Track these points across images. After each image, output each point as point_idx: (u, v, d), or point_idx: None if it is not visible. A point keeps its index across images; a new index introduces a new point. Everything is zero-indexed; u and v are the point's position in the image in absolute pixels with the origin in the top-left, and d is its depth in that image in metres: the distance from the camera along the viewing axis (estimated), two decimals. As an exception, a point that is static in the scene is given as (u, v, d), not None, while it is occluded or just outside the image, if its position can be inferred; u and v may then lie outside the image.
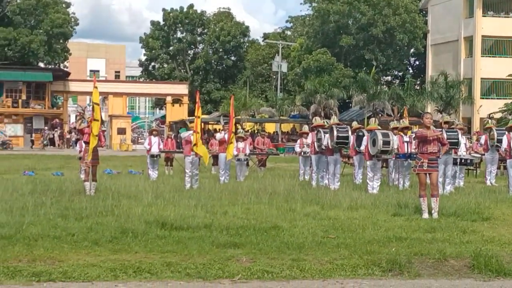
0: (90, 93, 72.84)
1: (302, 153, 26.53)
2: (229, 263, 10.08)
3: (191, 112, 69.16)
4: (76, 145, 34.44)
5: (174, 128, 65.09)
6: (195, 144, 21.27)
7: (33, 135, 71.80)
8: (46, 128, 73.11)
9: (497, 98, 65.05)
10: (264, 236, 12.17)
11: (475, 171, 30.94)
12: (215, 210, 15.35)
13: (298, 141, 27.57)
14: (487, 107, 62.47)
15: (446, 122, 22.82)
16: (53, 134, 72.75)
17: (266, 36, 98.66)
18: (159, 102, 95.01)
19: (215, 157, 28.07)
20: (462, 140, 22.95)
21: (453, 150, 21.22)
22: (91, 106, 23.07)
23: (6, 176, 26.63)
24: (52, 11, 77.82)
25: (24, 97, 73.74)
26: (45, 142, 70.23)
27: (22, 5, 76.90)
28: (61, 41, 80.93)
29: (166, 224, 12.99)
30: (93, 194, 18.72)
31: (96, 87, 19.60)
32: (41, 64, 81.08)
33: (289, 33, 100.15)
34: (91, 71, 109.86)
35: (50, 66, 79.85)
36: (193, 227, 12.79)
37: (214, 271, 9.71)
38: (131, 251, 10.80)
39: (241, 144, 26.26)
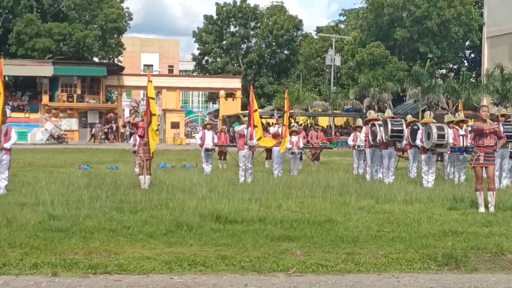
0: (143, 88, 73.35)
1: (356, 146, 26.37)
2: (284, 256, 10.04)
3: (244, 106, 69.34)
4: (130, 139, 34.66)
5: (228, 122, 65.28)
6: (259, 138, 21.45)
7: (93, 129, 72.58)
8: (97, 122, 73.85)
9: (555, 90, 63.99)
10: (318, 229, 12.11)
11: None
12: (269, 204, 15.32)
13: (352, 134, 27.43)
14: (544, 100, 61.50)
15: (502, 115, 22.50)
16: (108, 129, 73.47)
17: (319, 29, 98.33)
18: (212, 96, 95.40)
19: (269, 151, 28.06)
20: (519, 133, 22.57)
21: (509, 143, 20.88)
22: (144, 101, 23.15)
23: (62, 169, 26.96)
24: (106, 6, 78.62)
25: (79, 91, 74.61)
26: (103, 136, 70.98)
27: (77, 1, 77.85)
28: (115, 36, 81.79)
29: (220, 218, 12.99)
30: (147, 187, 18.83)
31: (150, 81, 19.63)
32: (96, 59, 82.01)
33: (342, 26, 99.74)
34: (144, 65, 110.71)
35: (104, 61, 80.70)
36: (247, 221, 12.78)
37: (268, 264, 9.67)
38: (186, 244, 10.82)
39: (294, 138, 26.21)
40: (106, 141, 70.49)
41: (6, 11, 79.08)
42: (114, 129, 73.68)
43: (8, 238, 10.75)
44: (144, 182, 19.19)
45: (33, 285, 8.54)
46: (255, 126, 21.94)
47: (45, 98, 74.13)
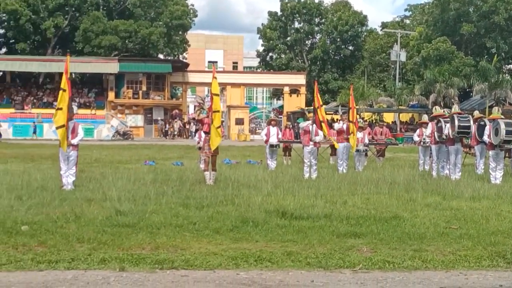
0: (208, 84, 73.82)
1: (422, 143, 26.10)
2: (350, 253, 9.98)
3: (308, 102, 69.18)
4: (195, 135, 34.84)
5: (292, 118, 65.21)
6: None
7: (167, 125, 73.32)
8: (159, 118, 74.48)
9: None
10: (385, 226, 12.01)
11: None
12: (335, 200, 15.26)
13: (417, 131, 27.19)
14: None
15: None
16: (173, 125, 74.03)
17: (384, 25, 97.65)
18: (276, 92, 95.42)
19: (333, 147, 27.95)
20: None
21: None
22: (209, 97, 23.21)
23: (128, 165, 27.26)
24: (171, 3, 79.26)
25: (144, 88, 75.35)
26: (175, 132, 71.50)
27: (142, -2, 78.71)
28: (180, 32, 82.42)
29: (286, 214, 12.97)
30: (212, 183, 18.90)
31: (215, 78, 19.66)
32: (161, 56, 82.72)
33: (408, 21, 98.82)
34: (209, 62, 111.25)
35: (169, 58, 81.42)
36: (313, 217, 12.74)
37: (334, 260, 9.61)
38: (251, 240, 10.83)
39: (360, 134, 26.06)
40: (177, 137, 71.03)
41: (73, 9, 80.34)
42: (180, 125, 74.15)
43: (76, 233, 10.91)
44: (210, 178, 19.25)
45: (101, 280, 8.62)
46: (321, 122, 21.90)
47: (111, 95, 75.06)
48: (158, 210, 13.41)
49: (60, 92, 17.82)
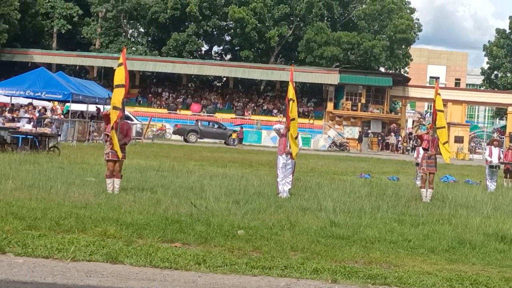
0: (428, 100, 72.74)
1: None
2: None
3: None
4: (413, 151, 34.34)
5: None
6: None
7: (368, 138, 73.14)
8: (368, 131, 74.08)
9: None
10: None
11: None
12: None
13: None
14: None
15: None
16: (389, 139, 73.48)
17: None
18: (499, 111, 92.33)
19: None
20: None
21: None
22: (429, 113, 22.83)
23: (343, 177, 27.27)
24: (396, 16, 78.74)
25: (363, 100, 75.22)
26: (408, 147, 70.89)
27: (367, 11, 78.85)
28: (403, 46, 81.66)
29: (505, 238, 12.44)
30: (429, 201, 18.52)
31: (439, 94, 19.47)
32: (382, 69, 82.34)
33: None
34: (431, 77, 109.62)
35: (390, 71, 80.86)
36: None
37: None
38: (468, 262, 10.48)
39: None
40: (386, 151, 70.53)
41: (298, 19, 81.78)
42: (397, 140, 73.45)
43: (290, 241, 10.98)
44: (426, 195, 18.90)
45: (313, 290, 8.64)
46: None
47: (330, 106, 75.62)
48: (373, 224, 13.28)
49: (290, 103, 18.21)
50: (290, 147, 17.88)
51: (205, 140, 62.13)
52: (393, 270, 9.66)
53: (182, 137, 62.96)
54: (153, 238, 10.48)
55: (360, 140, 72.06)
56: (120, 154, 16.28)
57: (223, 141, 62.27)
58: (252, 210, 14.14)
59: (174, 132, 65.01)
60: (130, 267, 9.07)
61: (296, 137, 17.81)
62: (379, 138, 73.91)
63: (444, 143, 18.78)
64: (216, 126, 64.30)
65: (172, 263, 9.26)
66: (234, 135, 61.62)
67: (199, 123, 64.50)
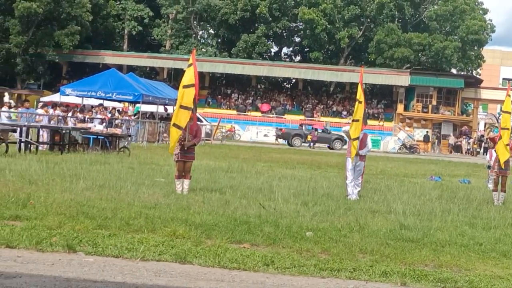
0: (501, 102, 71.20)
1: None
2: None
3: None
4: (485, 154, 33.80)
5: None
6: None
7: (440, 140, 72.32)
8: (430, 133, 73.17)
9: None
10: None
11: None
12: None
13: None
14: None
15: None
16: (460, 141, 72.51)
17: None
18: None
19: None
20: None
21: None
22: (501, 115, 22.42)
23: (413, 179, 27.00)
24: (468, 17, 77.70)
25: (434, 102, 74.49)
26: (478, 149, 69.99)
27: (439, 11, 77.97)
28: (475, 47, 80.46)
29: None
30: (501, 204, 18.20)
31: (509, 96, 19.10)
32: (453, 70, 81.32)
33: None
34: (504, 79, 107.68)
35: (462, 73, 79.81)
36: None
37: None
38: (542, 267, 10.24)
39: None
40: (457, 153, 69.61)
41: (368, 20, 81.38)
42: (468, 142, 72.44)
43: (359, 243, 10.90)
44: (498, 199, 18.58)
45: (382, 292, 8.57)
46: None
47: (400, 107, 75.04)
48: (443, 227, 13.09)
49: (356, 103, 18.03)
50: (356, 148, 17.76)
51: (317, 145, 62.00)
52: (464, 273, 9.52)
53: (286, 141, 63.12)
54: (222, 238, 10.51)
55: (429, 141, 71.34)
56: (171, 146, 16.29)
57: (327, 145, 62.39)
58: (321, 212, 14.08)
59: (278, 136, 65.22)
60: (198, 267, 9.12)
61: (357, 139, 17.60)
62: (450, 140, 72.97)
63: (506, 145, 18.39)
64: (320, 130, 64.11)
65: (241, 264, 9.28)
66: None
67: (303, 128, 64.59)
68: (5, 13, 68.41)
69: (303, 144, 61.37)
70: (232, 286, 8.42)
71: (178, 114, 16.20)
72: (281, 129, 65.34)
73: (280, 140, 64.87)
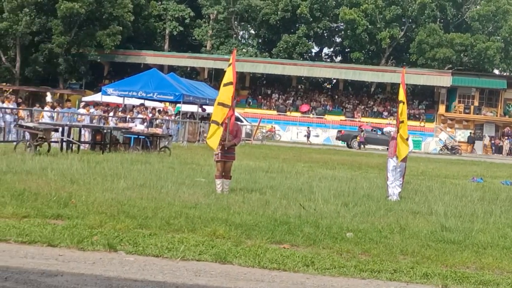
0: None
1: None
2: None
3: None
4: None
5: None
6: None
7: (481, 141, 71.68)
8: (471, 134, 72.55)
9: None
10: None
11: None
12: None
13: None
14: None
15: None
16: (502, 142, 71.77)
17: None
18: None
19: None
20: None
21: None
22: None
23: (454, 181, 26.74)
24: (511, 17, 76.86)
25: (476, 103, 73.84)
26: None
27: (481, 11, 77.25)
28: (519, 48, 79.68)
29: None
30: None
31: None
32: (496, 71, 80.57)
33: None
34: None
35: (504, 73, 79.09)
36: None
37: None
38: None
39: None
40: (499, 154, 68.91)
41: (410, 20, 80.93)
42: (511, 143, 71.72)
43: (400, 245, 10.82)
44: (541, 201, 18.36)
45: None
46: None
47: (441, 108, 74.49)
48: (485, 229, 12.95)
49: (400, 105, 17.92)
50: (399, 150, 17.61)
51: (368, 146, 61.97)
52: (506, 276, 9.42)
53: (346, 143, 62.98)
54: (262, 239, 10.50)
55: (471, 142, 70.75)
56: (212, 144, 16.25)
57: (385, 147, 62.19)
58: (361, 213, 14.01)
59: (338, 138, 65.21)
60: (238, 267, 9.12)
61: (407, 139, 17.53)
62: (492, 141, 72.27)
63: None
64: (379, 132, 63.88)
65: (281, 264, 9.26)
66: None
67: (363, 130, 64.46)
68: (48, 13, 69.02)
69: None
70: (272, 286, 8.42)
71: (216, 110, 16.29)
72: (341, 131, 65.17)
73: (339, 142, 64.68)
